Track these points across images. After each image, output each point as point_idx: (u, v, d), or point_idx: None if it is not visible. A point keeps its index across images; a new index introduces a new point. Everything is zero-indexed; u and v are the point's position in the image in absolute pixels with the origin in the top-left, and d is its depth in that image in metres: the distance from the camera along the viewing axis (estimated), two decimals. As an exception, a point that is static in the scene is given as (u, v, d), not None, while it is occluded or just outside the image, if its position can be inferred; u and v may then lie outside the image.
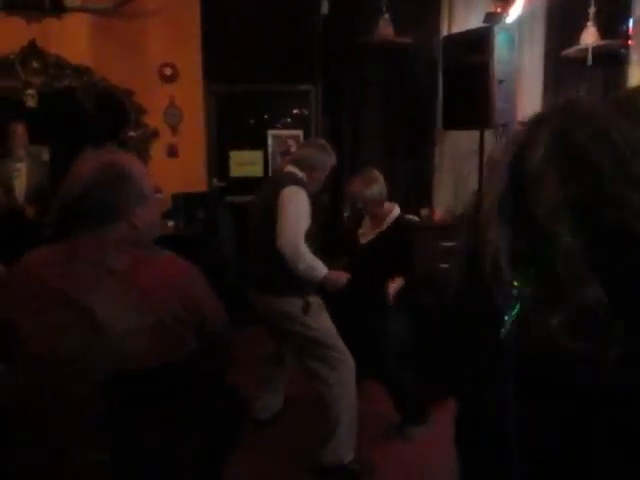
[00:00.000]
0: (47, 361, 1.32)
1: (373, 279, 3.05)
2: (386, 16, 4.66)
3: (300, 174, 2.69)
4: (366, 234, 3.23)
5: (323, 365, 2.61)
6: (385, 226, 3.15)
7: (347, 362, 2.65)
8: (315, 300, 2.64)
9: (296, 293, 2.58)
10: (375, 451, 2.91)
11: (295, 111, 5.22)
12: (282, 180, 2.65)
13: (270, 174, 5.09)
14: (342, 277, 2.64)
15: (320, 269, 2.54)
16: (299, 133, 5.14)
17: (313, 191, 2.74)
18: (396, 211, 3.20)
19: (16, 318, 1.34)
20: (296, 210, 2.53)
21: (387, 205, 3.19)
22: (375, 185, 3.11)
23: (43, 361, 1.33)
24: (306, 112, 5.16)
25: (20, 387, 1.40)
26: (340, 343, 2.66)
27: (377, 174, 3.16)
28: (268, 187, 2.74)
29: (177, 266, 1.49)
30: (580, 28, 4.46)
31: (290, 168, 2.73)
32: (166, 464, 1.41)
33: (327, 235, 5.00)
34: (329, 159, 2.79)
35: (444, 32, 4.97)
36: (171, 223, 4.58)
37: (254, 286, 2.80)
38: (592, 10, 4.25)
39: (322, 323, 2.64)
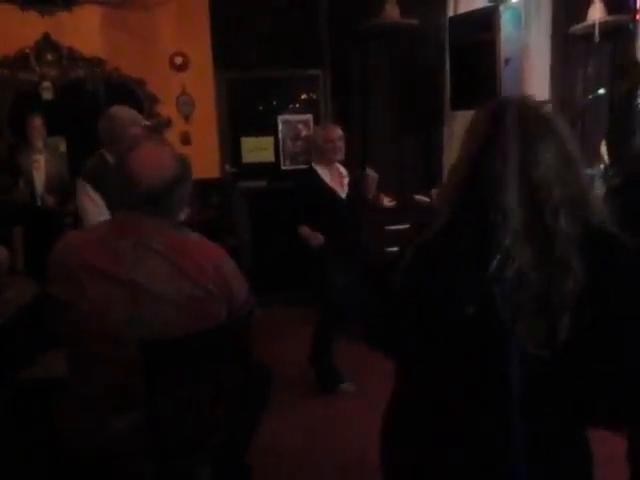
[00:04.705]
0: (94, 331, 1.44)
1: (358, 230, 3.44)
2: (392, -2, 4.70)
3: (105, 152, 2.63)
4: (336, 187, 3.38)
5: None
6: (346, 179, 3.41)
7: None
8: None
9: None
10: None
11: (304, 96, 5.29)
12: None
13: (282, 159, 5.18)
14: None
15: None
16: (309, 118, 5.21)
17: None
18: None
19: (62, 293, 1.46)
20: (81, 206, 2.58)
21: None
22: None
23: (91, 332, 1.44)
24: (315, 97, 5.23)
25: (68, 357, 1.52)
26: None
27: None
28: None
29: (208, 247, 1.63)
30: (587, 4, 4.46)
31: (102, 150, 2.67)
32: (199, 424, 1.53)
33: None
34: (114, 126, 2.55)
35: (450, 13, 4.99)
36: (186, 209, 4.67)
37: None
38: (598, -14, 4.25)
39: None
